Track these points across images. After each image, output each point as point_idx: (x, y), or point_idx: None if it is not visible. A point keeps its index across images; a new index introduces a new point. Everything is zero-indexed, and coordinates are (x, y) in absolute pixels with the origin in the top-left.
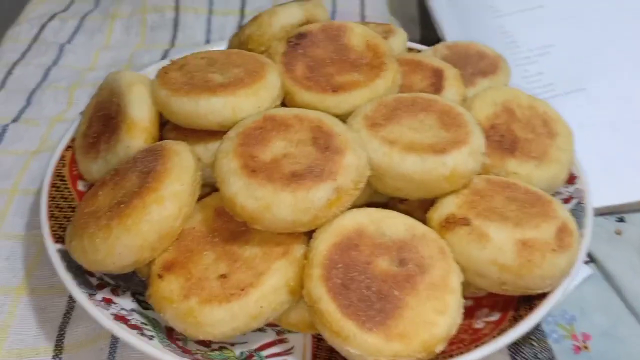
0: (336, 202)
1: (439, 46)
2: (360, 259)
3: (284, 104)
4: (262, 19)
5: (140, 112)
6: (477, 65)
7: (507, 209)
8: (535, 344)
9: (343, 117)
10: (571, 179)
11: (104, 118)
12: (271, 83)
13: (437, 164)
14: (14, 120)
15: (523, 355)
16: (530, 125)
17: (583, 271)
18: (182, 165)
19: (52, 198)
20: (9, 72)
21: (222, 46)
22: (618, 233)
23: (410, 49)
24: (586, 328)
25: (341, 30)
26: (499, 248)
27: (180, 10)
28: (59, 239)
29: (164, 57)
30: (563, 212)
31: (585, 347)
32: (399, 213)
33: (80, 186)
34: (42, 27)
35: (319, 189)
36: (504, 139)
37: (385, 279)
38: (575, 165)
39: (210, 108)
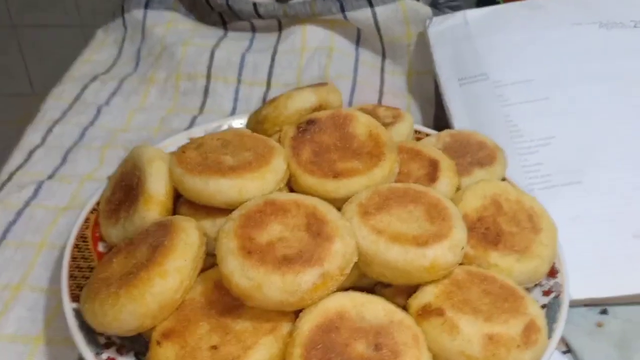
0: (322, 286)
1: (442, 133)
2: (339, 341)
3: (289, 185)
4: (278, 101)
5: (157, 187)
6: (476, 154)
7: (481, 302)
8: None
9: (342, 201)
10: (553, 273)
11: (126, 188)
12: (277, 167)
13: (419, 256)
14: (49, 177)
15: None
16: (515, 219)
17: None
18: (187, 242)
19: (73, 259)
20: (49, 130)
21: (244, 119)
22: (599, 325)
23: (418, 132)
24: None
25: (347, 119)
26: (467, 340)
27: (212, 79)
28: (75, 298)
29: (191, 123)
30: (534, 308)
31: None
32: (380, 298)
33: (101, 247)
34: (84, 87)
35: (306, 273)
36: (489, 231)
37: None
38: (558, 258)
39: (218, 188)
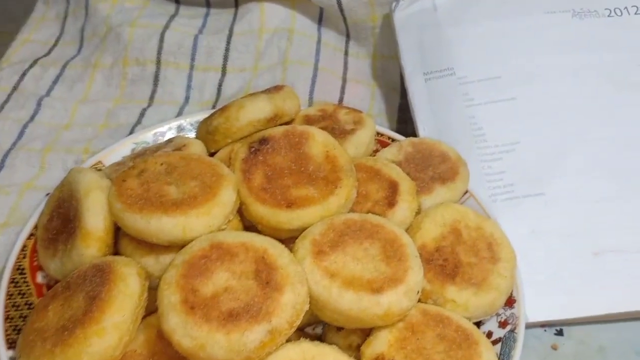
0: (269, 343)
1: (404, 142)
2: None
3: (240, 211)
4: (230, 112)
5: (95, 222)
6: (438, 168)
7: (435, 350)
8: None
9: (296, 231)
10: (510, 302)
11: (63, 217)
12: (225, 200)
13: (372, 304)
14: None
15: None
16: (474, 249)
17: None
18: (127, 293)
19: (9, 296)
20: None
21: (195, 117)
22: (554, 348)
23: (380, 134)
24: None
25: (303, 137)
26: None
27: (162, 65)
28: (12, 344)
29: (140, 116)
30: (488, 354)
31: None
32: (332, 349)
33: (40, 278)
34: (23, 74)
35: (252, 331)
36: (447, 263)
37: None
38: (516, 287)
39: (160, 227)
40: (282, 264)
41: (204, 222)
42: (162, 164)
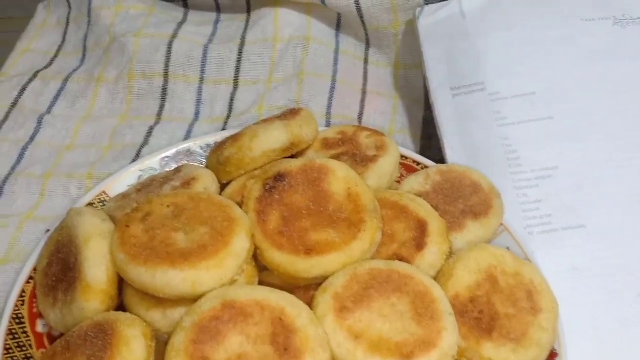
0: None
1: (431, 171)
2: None
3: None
4: (242, 141)
5: (96, 274)
6: (469, 200)
7: None
8: None
9: (314, 280)
10: (552, 356)
11: (62, 263)
12: (238, 249)
13: None
14: None
15: None
16: (512, 298)
17: None
18: None
19: (7, 350)
20: None
21: (205, 140)
22: None
23: (404, 157)
24: None
25: (322, 172)
26: None
27: (170, 78)
28: None
29: (147, 135)
30: None
31: None
32: None
33: (40, 327)
34: (23, 89)
35: None
36: (482, 315)
37: None
38: (558, 340)
39: (167, 282)
40: (301, 326)
41: (215, 275)
42: (169, 206)
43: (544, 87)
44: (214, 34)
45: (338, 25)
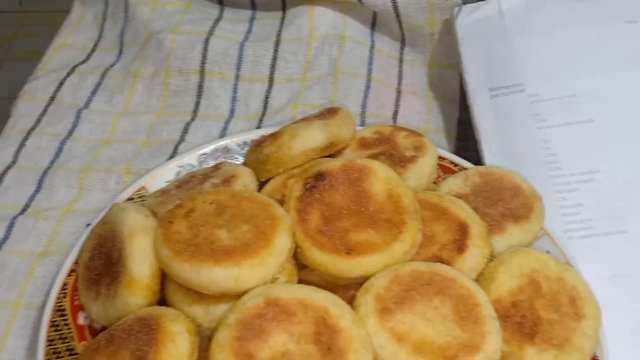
0: None
1: (471, 172)
2: None
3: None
4: (282, 140)
5: (140, 269)
6: (510, 203)
7: None
8: None
9: (355, 280)
10: None
11: (105, 257)
12: (280, 247)
13: None
14: (23, 211)
15: None
16: (555, 303)
17: None
18: (176, 355)
19: (49, 342)
20: (22, 144)
21: (242, 137)
22: None
23: (442, 158)
24: None
25: (363, 172)
26: None
27: (206, 75)
28: None
29: (184, 131)
30: None
31: None
32: None
33: (81, 319)
34: (61, 83)
35: None
36: (525, 320)
37: None
38: (600, 347)
39: (212, 278)
40: (344, 326)
41: (258, 273)
42: (211, 203)
43: (585, 89)
44: (249, 31)
45: (373, 23)
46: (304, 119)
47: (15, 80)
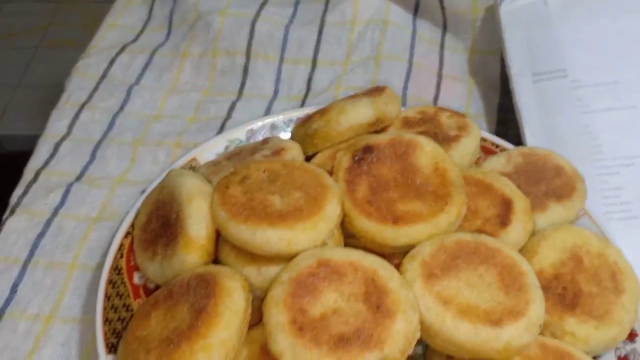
0: None
1: (514, 152)
2: None
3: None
4: (330, 115)
5: (197, 230)
6: (552, 182)
7: None
8: None
9: (400, 249)
10: (632, 336)
11: (162, 220)
12: (330, 213)
13: (491, 337)
14: (78, 179)
15: None
16: (596, 278)
17: None
18: (233, 309)
19: (107, 297)
20: (76, 117)
21: (287, 115)
22: None
23: (484, 139)
24: None
25: (410, 147)
26: None
27: (252, 57)
28: (111, 348)
29: (230, 110)
30: None
31: None
32: None
33: (137, 279)
34: (112, 61)
35: (364, 359)
36: (566, 292)
37: None
38: (638, 320)
39: (266, 240)
40: (392, 288)
41: (310, 236)
42: (264, 171)
43: (627, 76)
44: (294, 15)
45: (416, 9)
46: (351, 97)
47: (50, 68)
